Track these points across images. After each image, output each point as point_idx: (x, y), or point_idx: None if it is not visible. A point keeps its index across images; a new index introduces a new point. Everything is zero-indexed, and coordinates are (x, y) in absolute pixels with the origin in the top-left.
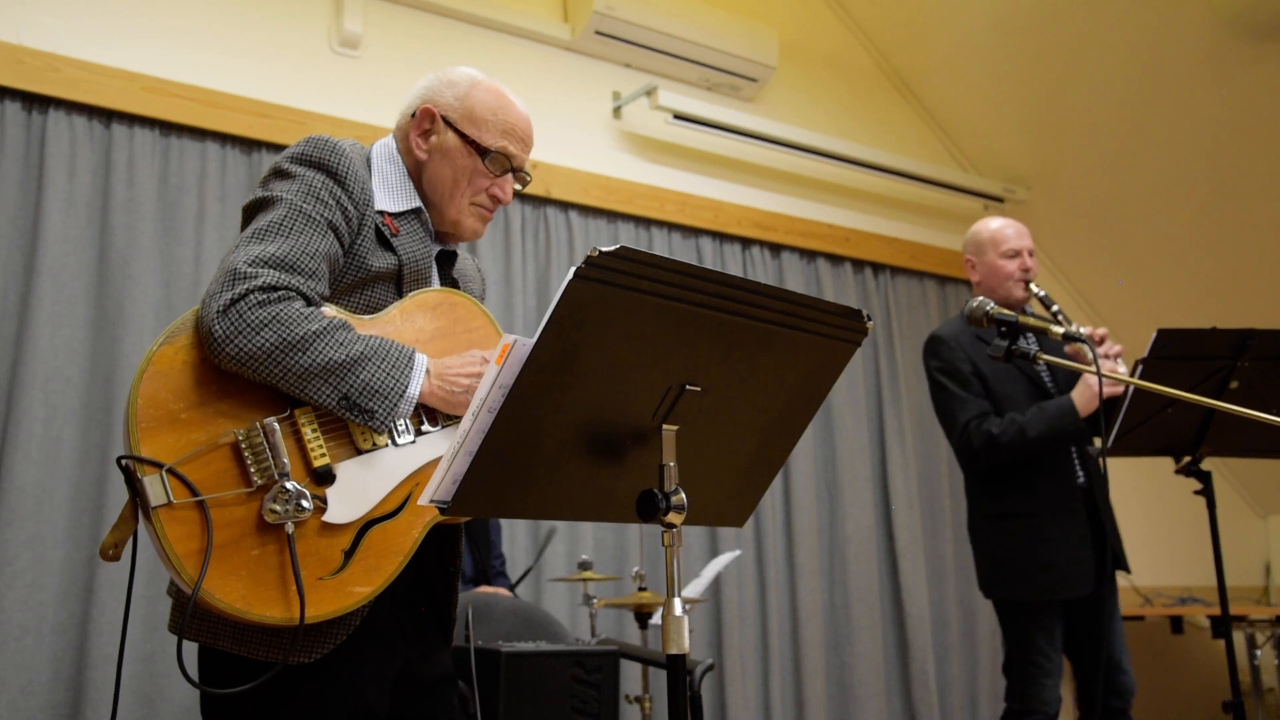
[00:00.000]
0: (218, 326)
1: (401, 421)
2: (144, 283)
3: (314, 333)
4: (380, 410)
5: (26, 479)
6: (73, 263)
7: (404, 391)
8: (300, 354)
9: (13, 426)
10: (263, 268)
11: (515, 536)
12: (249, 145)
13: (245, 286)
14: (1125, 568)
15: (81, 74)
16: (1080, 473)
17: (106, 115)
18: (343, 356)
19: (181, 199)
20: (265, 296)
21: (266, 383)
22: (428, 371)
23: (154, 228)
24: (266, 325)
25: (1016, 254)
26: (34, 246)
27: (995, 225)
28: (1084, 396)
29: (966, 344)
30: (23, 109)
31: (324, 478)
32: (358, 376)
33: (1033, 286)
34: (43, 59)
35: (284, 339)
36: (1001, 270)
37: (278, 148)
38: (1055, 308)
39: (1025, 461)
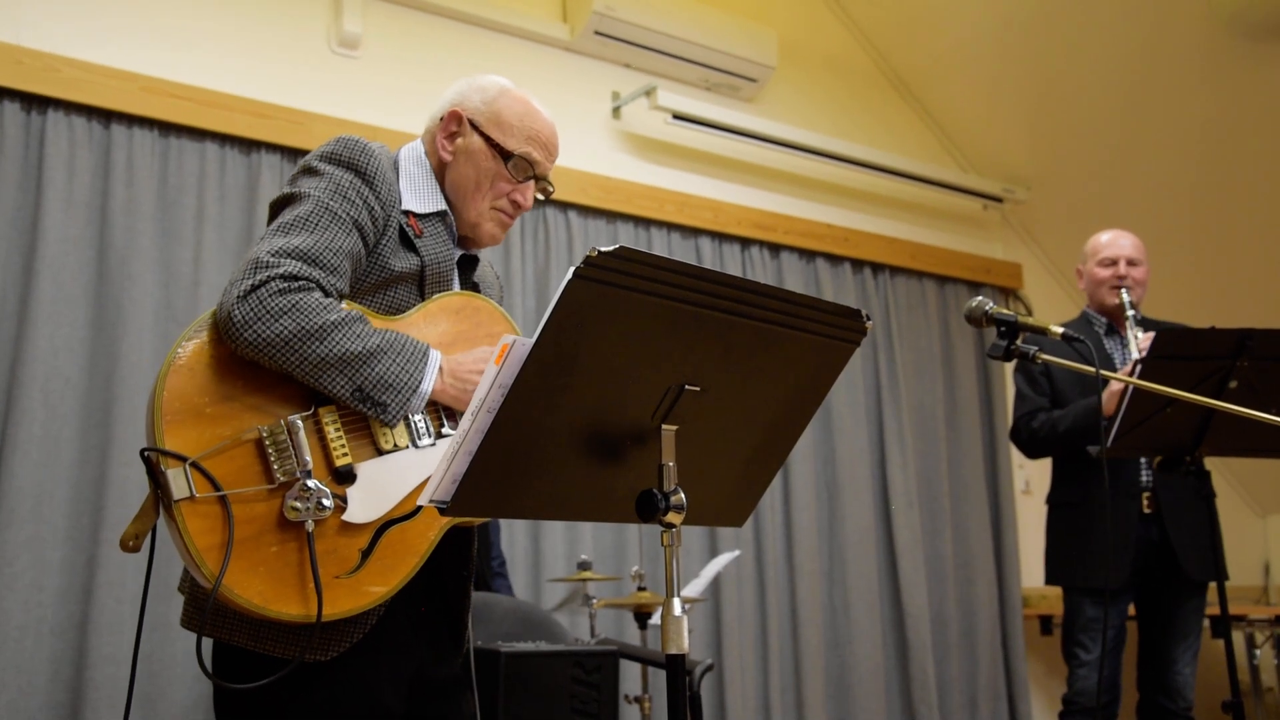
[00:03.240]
0: (237, 311)
1: (422, 422)
2: (143, 283)
3: (332, 323)
4: (393, 404)
5: (25, 480)
6: (72, 263)
7: (417, 386)
8: (317, 343)
9: (12, 427)
10: (285, 258)
11: (514, 537)
12: (248, 145)
13: (267, 274)
14: (1196, 576)
15: (80, 74)
16: (1145, 474)
17: (105, 115)
18: (359, 348)
19: (180, 199)
20: (286, 285)
21: (282, 370)
22: (440, 369)
23: (153, 228)
24: (286, 313)
25: (1112, 262)
26: (33, 247)
27: (1101, 237)
28: (1108, 395)
29: (1046, 344)
30: (22, 109)
31: (345, 477)
32: (372, 369)
33: (1123, 294)
34: (42, 59)
35: (302, 327)
36: (1096, 277)
37: (277, 148)
38: (1130, 314)
39: (1068, 453)
